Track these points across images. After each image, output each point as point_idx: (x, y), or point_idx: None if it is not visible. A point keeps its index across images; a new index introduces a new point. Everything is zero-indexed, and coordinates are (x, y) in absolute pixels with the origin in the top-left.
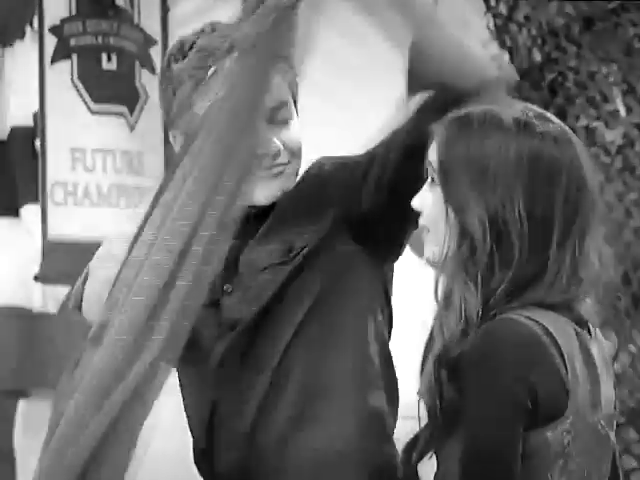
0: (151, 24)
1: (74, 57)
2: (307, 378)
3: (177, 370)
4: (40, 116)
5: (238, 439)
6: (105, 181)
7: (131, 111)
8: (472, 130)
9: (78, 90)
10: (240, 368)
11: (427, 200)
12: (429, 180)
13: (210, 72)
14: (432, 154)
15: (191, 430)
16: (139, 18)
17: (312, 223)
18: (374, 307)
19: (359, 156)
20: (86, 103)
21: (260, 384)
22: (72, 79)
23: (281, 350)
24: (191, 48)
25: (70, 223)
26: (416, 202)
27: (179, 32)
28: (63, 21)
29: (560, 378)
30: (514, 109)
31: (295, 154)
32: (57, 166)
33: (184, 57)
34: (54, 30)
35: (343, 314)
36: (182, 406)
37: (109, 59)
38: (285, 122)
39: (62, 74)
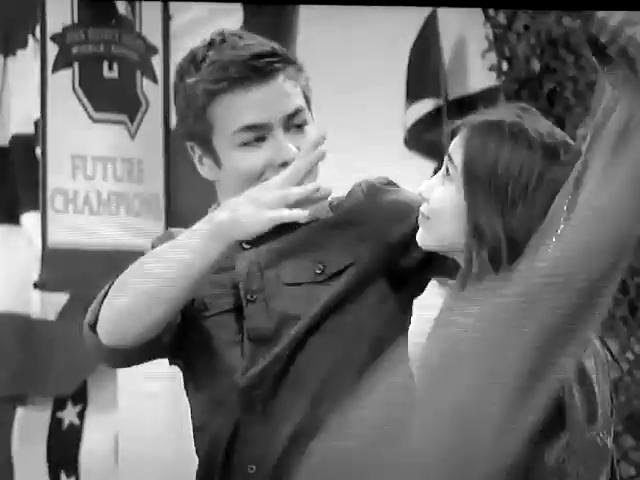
0: (152, 33)
1: (75, 65)
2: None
3: (184, 368)
4: (41, 124)
5: (265, 468)
6: (105, 189)
7: (132, 119)
8: (502, 142)
9: (79, 98)
10: (273, 391)
11: (436, 192)
12: (442, 172)
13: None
14: (456, 150)
15: (200, 442)
16: (140, 27)
17: (349, 250)
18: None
19: (414, 199)
20: (87, 111)
21: (296, 409)
22: (73, 87)
23: (323, 375)
24: (203, 61)
25: (70, 231)
26: (423, 189)
27: (180, 41)
28: (65, 29)
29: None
30: (542, 126)
31: None
32: (57, 174)
33: (197, 70)
34: (56, 38)
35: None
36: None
37: (110, 68)
38: (300, 128)
39: (63, 82)
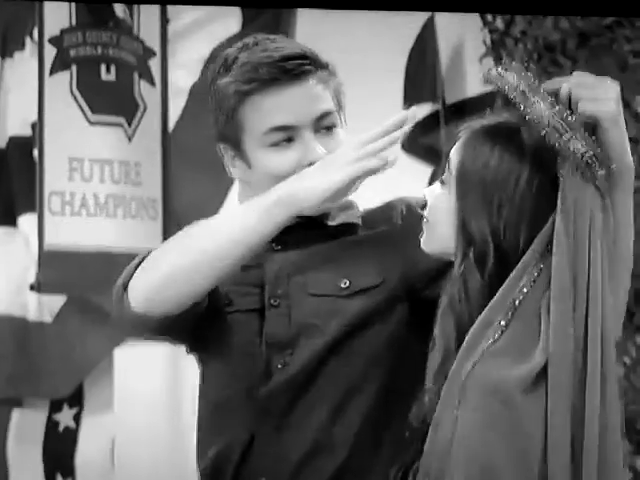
0: (150, 36)
1: (73, 68)
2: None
3: (200, 363)
4: (38, 126)
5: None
6: (102, 191)
7: (129, 122)
8: (494, 146)
9: (77, 100)
10: (291, 405)
11: (434, 194)
12: (446, 174)
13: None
14: (453, 154)
15: (207, 448)
16: (138, 30)
17: (379, 269)
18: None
19: None
20: (84, 113)
21: (313, 425)
22: (71, 89)
23: (341, 392)
24: (234, 62)
25: (67, 233)
26: (427, 192)
27: (178, 44)
28: (63, 32)
29: None
30: (538, 130)
31: None
32: (54, 176)
33: (228, 71)
34: (54, 41)
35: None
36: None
37: (108, 70)
38: (330, 130)
39: (61, 85)
